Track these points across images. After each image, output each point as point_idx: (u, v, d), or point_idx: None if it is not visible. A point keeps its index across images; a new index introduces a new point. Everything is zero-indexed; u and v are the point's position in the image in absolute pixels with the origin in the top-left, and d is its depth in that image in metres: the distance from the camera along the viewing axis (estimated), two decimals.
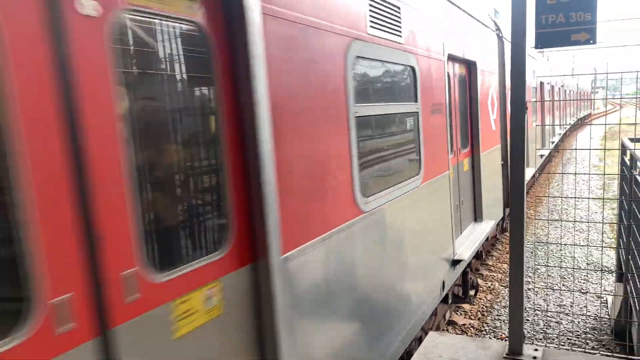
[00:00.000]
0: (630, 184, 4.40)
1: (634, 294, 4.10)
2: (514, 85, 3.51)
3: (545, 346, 6.43)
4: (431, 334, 3.98)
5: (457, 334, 7.00)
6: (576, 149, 4.56)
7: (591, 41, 3.31)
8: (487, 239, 9.11)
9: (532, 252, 10.47)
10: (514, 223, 3.57)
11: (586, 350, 6.24)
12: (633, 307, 3.95)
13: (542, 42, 3.42)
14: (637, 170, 4.36)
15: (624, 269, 4.49)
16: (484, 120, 8.16)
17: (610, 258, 9.63)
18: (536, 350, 3.91)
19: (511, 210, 3.58)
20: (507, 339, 7.11)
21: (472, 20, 7.54)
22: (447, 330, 7.13)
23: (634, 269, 3.98)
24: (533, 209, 14.40)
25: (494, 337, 7.05)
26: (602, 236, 11.37)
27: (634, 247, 4.07)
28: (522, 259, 3.58)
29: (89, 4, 1.87)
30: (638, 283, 3.72)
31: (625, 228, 4.44)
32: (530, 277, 9.15)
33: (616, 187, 16.72)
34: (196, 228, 2.51)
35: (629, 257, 4.29)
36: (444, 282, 5.68)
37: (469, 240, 6.93)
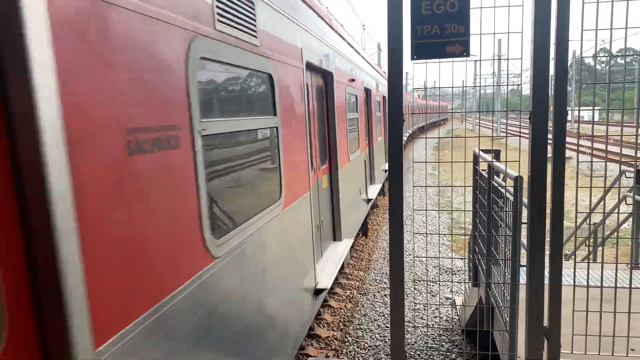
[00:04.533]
0: (489, 194, 4.57)
1: (496, 302, 4.24)
2: (391, 99, 3.40)
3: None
4: None
5: (327, 355, 6.85)
6: (451, 161, 4.64)
7: (465, 53, 3.31)
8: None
9: (384, 259, 10.83)
10: (393, 239, 3.44)
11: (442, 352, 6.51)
12: (499, 315, 4.07)
13: (418, 53, 3.35)
14: (494, 180, 4.54)
15: (483, 278, 4.65)
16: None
17: (454, 261, 10.29)
18: None
19: (390, 225, 3.45)
20: (369, 348, 7.16)
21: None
22: (312, 344, 6.95)
23: (498, 279, 4.10)
24: (381, 216, 15.03)
25: (357, 347, 7.04)
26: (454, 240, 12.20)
27: (496, 257, 4.20)
28: (402, 275, 3.47)
29: None
30: (504, 292, 3.82)
31: (486, 237, 4.59)
32: (385, 282, 9.41)
33: (449, 194, 18.21)
34: None
35: (491, 265, 4.44)
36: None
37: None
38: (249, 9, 3.77)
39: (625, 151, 19.89)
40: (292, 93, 5.08)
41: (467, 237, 8.46)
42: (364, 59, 12.93)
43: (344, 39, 9.42)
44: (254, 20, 3.85)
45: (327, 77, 7.56)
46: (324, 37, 7.12)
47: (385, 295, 8.81)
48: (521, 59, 3.30)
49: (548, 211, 3.32)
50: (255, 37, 3.85)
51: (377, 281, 9.50)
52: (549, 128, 3.29)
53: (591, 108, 3.47)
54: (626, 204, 6.25)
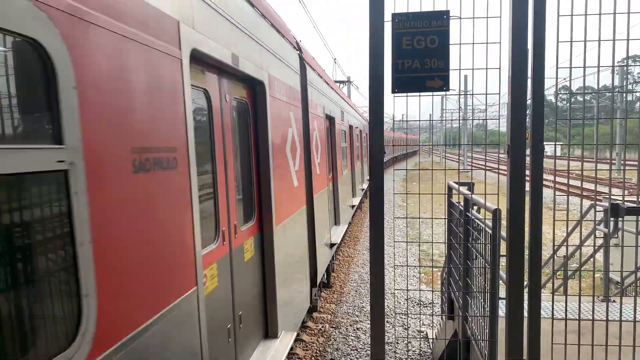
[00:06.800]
0: (465, 226, 4.61)
1: (474, 335, 4.23)
2: (372, 133, 3.42)
3: None
4: None
5: None
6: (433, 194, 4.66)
7: (444, 88, 3.38)
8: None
9: (356, 292, 10.76)
10: (373, 278, 3.42)
11: None
12: (476, 348, 4.06)
13: (399, 87, 3.41)
14: (471, 212, 4.58)
15: (460, 312, 4.64)
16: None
17: (425, 293, 10.28)
18: None
19: (371, 258, 3.43)
20: None
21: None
22: None
23: (476, 311, 4.10)
24: (352, 247, 14.99)
25: None
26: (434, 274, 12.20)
27: (474, 290, 4.22)
28: (383, 317, 3.43)
29: None
30: (483, 325, 3.82)
31: (462, 270, 4.61)
32: (357, 315, 9.32)
33: (418, 226, 18.32)
34: None
35: (467, 297, 4.45)
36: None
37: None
38: None
39: (597, 186, 20.47)
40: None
41: (439, 269, 8.47)
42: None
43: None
44: None
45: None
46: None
47: (357, 328, 8.71)
48: (499, 93, 3.38)
49: (526, 243, 3.35)
50: None
51: (349, 314, 9.41)
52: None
53: (567, 143, 3.56)
54: (595, 237, 6.38)
